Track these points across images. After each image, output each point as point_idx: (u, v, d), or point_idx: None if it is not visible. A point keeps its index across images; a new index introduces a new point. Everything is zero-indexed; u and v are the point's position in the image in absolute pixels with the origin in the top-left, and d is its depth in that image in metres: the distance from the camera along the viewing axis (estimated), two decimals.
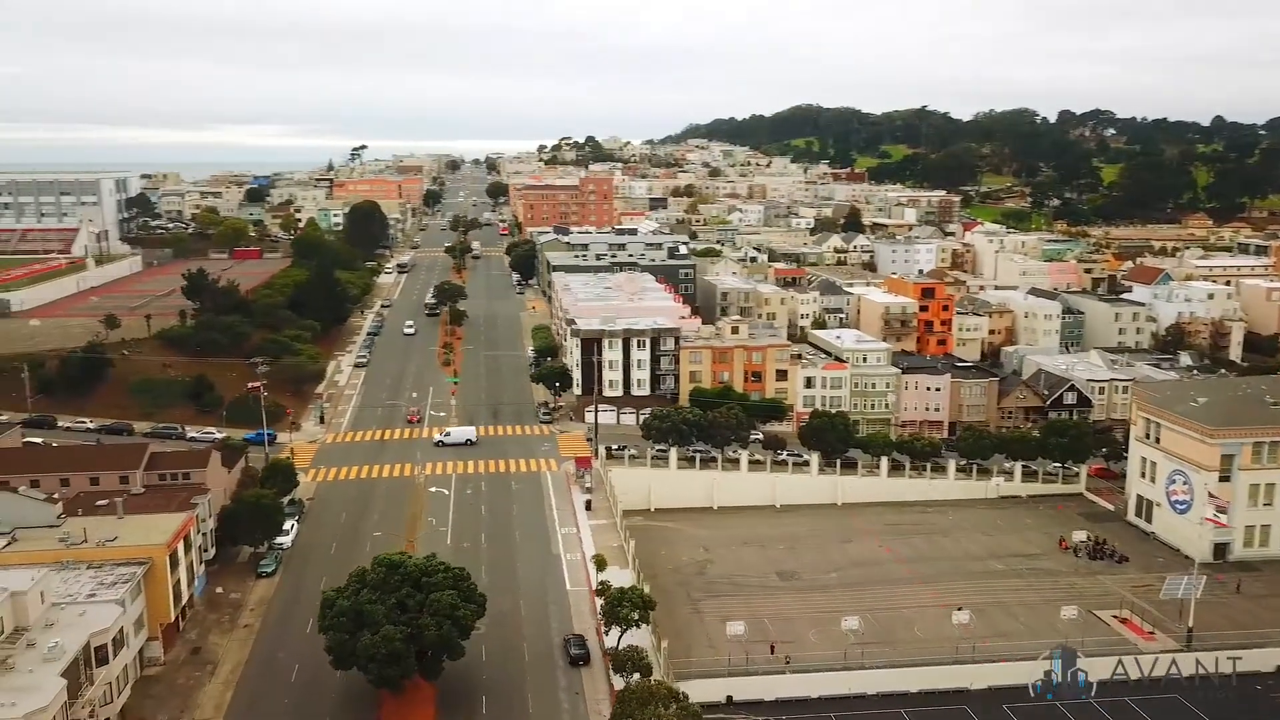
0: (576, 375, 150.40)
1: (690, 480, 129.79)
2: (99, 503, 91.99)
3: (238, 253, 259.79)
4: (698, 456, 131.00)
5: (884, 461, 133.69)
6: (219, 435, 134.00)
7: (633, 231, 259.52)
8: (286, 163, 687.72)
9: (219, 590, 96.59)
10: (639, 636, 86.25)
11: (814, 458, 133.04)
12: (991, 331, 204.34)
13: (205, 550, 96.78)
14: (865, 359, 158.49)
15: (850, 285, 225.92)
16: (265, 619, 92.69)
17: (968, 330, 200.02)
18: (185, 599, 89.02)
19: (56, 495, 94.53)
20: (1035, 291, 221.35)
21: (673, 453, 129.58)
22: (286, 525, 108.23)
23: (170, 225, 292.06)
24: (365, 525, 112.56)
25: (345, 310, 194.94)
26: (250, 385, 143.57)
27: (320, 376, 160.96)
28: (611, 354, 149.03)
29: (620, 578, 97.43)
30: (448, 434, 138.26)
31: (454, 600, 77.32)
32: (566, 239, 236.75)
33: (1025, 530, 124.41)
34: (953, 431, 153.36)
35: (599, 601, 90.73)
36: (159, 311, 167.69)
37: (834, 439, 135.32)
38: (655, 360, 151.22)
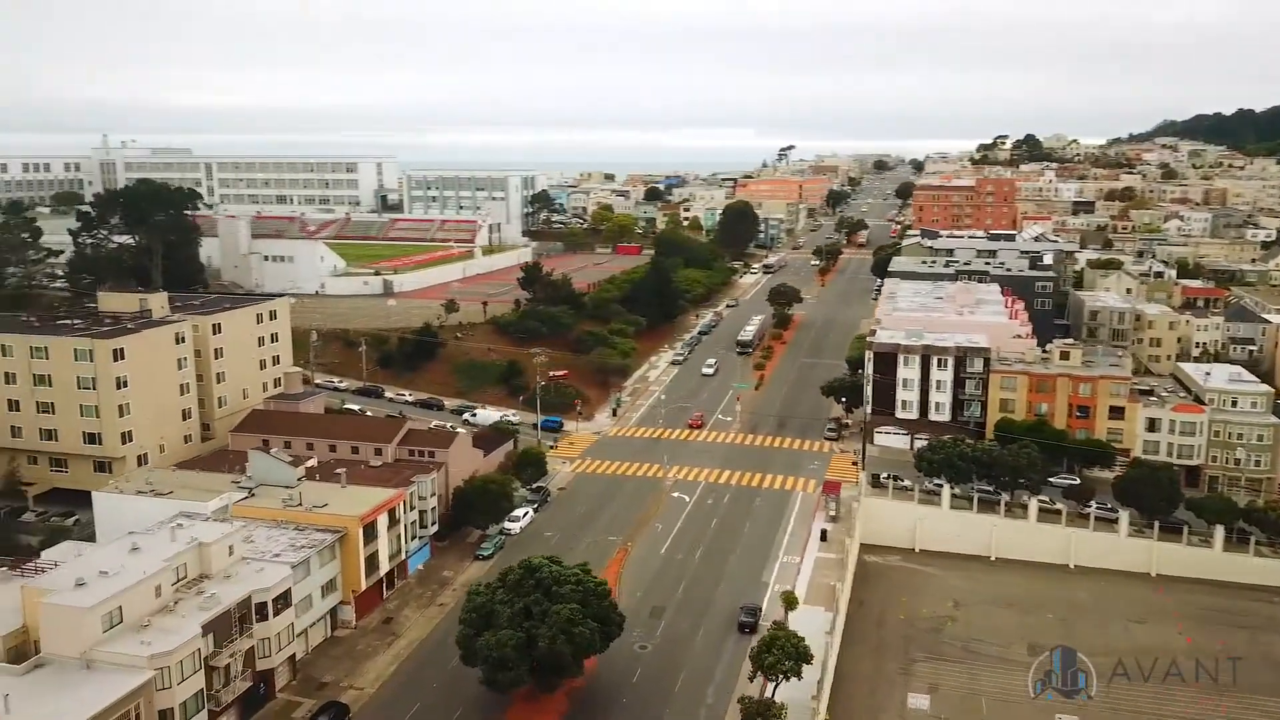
0: (868, 391, 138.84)
1: (964, 523, 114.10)
2: (336, 470, 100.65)
3: (620, 248, 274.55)
4: (976, 497, 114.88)
5: (1219, 531, 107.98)
6: (513, 418, 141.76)
7: (1010, 237, 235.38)
8: (731, 163, 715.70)
9: (422, 567, 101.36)
10: (802, 689, 77.21)
11: (1124, 515, 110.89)
12: None
13: (425, 527, 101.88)
14: (1234, 402, 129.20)
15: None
16: (460, 601, 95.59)
17: None
18: (386, 569, 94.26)
19: (315, 459, 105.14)
20: None
21: (945, 489, 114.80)
22: (520, 512, 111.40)
23: (569, 220, 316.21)
24: (597, 521, 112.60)
25: (677, 307, 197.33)
26: (552, 374, 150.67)
27: (626, 371, 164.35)
28: (907, 371, 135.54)
29: (814, 621, 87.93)
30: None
31: (572, 615, 73.94)
32: (931, 242, 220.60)
33: None
34: None
35: None
36: (501, 299, 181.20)
37: (1156, 497, 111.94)
38: (959, 383, 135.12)
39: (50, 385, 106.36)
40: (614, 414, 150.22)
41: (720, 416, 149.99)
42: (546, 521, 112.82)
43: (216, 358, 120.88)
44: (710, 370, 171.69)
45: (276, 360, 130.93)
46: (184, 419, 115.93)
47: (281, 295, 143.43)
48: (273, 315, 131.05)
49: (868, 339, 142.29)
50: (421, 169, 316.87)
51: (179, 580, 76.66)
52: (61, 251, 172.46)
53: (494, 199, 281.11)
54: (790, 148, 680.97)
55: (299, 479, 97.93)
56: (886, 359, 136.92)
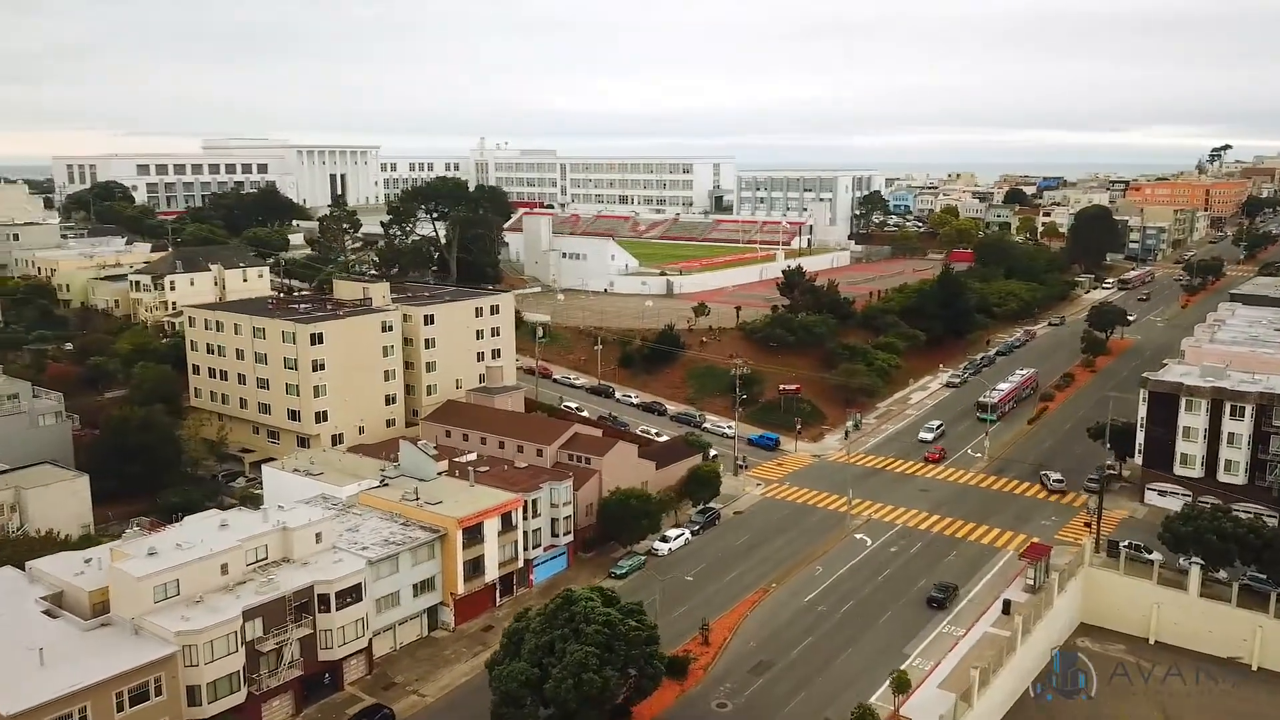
0: (1140, 438, 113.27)
1: (1216, 616, 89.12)
2: (481, 468, 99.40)
3: (954, 254, 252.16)
4: (1237, 586, 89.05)
5: None
6: (728, 430, 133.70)
7: None
8: (1166, 164, 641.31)
9: (552, 577, 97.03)
10: None
11: None
12: None
13: (557, 535, 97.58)
14: None
15: None
16: None
17: None
18: (494, 575, 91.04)
19: (475, 454, 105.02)
20: None
21: (1194, 571, 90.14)
22: (674, 532, 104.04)
23: (906, 223, 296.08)
24: (756, 553, 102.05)
25: (970, 322, 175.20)
26: (782, 387, 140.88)
27: (876, 390, 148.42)
28: (1189, 418, 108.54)
29: (937, 711, 72.40)
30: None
31: (585, 659, 65.87)
32: None
33: None
34: None
35: None
36: (756, 303, 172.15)
37: None
38: (1263, 438, 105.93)
39: (266, 363, 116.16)
40: (846, 436, 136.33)
41: (969, 452, 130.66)
42: (703, 546, 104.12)
43: (427, 347, 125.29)
44: (930, 435, 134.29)
45: (496, 354, 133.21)
46: (386, 404, 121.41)
47: (504, 291, 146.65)
48: (494, 309, 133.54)
49: (1144, 374, 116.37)
50: (754, 170, 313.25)
51: (257, 561, 78.78)
52: (376, 241, 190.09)
53: (820, 200, 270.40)
54: (1226, 147, 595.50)
55: (438, 473, 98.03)
56: (1165, 401, 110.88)
